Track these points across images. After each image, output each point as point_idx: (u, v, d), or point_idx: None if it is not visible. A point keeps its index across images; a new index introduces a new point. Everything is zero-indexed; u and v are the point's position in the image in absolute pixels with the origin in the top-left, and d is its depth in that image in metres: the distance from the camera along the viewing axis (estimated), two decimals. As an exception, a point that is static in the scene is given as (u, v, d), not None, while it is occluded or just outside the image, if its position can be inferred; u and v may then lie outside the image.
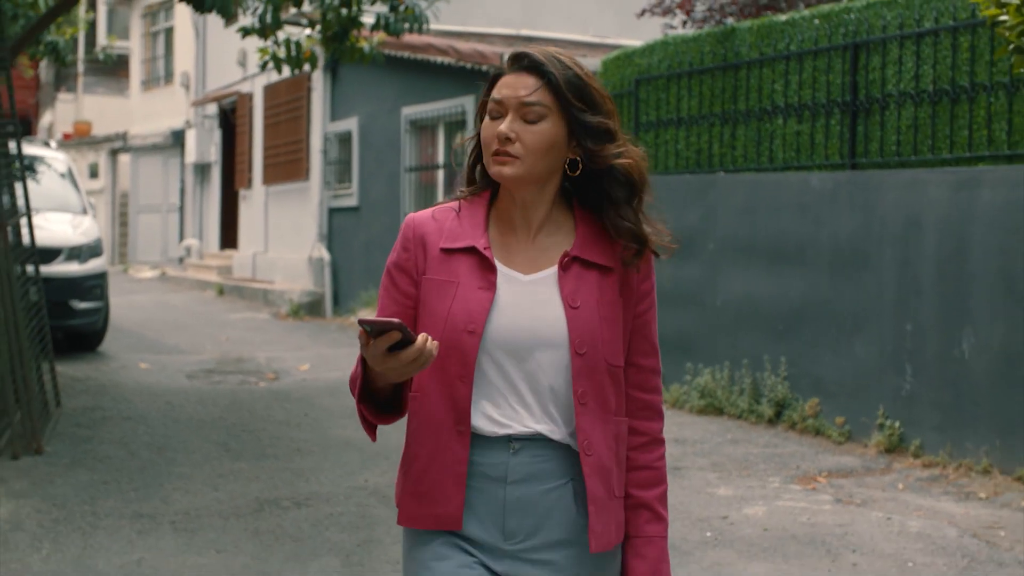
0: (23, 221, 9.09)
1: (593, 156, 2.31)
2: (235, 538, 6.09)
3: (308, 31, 12.09)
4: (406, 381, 2.31)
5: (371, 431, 2.38)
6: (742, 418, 9.16)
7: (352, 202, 16.91)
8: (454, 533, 2.33)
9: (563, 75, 2.27)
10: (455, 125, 14.77)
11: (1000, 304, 7.43)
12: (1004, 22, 5.07)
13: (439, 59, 14.20)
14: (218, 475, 7.39)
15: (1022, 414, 7.22)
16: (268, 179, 19.47)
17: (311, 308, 16.81)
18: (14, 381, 7.88)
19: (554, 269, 2.34)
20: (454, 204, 2.40)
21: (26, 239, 9.18)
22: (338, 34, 11.12)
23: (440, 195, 14.95)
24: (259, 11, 10.72)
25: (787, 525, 6.39)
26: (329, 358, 12.61)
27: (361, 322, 2.10)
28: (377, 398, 2.33)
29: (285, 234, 18.91)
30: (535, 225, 2.36)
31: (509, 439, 2.31)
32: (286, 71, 11.87)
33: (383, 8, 11.25)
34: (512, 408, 2.31)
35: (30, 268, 9.20)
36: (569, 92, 2.28)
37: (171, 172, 25.10)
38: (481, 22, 16.87)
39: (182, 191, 24.48)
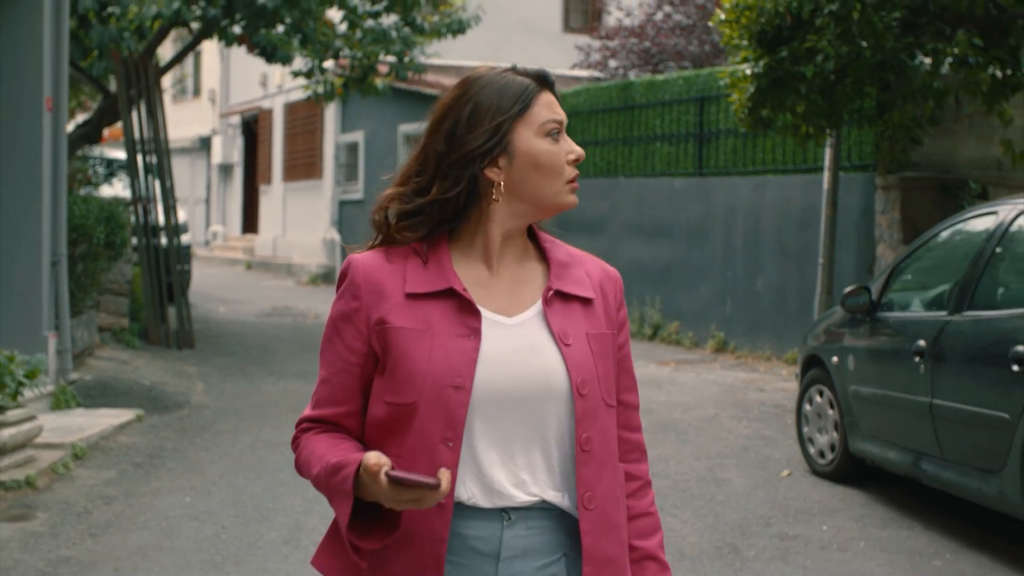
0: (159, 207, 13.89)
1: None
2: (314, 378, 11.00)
3: (339, 71, 16.90)
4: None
5: (364, 557, 1.99)
6: (634, 337, 14.12)
7: (358, 196, 21.83)
8: None
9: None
10: (439, 139, 19.72)
11: (778, 260, 12.41)
12: (734, 100, 9.93)
13: (428, 90, 19.09)
14: (301, 357, 12.28)
15: (788, 323, 12.20)
16: (287, 178, 24.36)
17: (325, 277, 21.71)
18: (163, 305, 12.71)
19: (538, 306, 2.07)
20: (401, 248, 2.07)
21: (156, 218, 13.94)
22: (360, 77, 15.95)
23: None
24: (308, 64, 15.52)
25: (646, 379, 11.29)
26: (350, 308, 17.53)
27: (391, 476, 1.84)
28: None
29: (301, 221, 23.78)
30: (512, 254, 2.11)
31: (503, 508, 2.00)
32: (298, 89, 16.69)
33: (392, 58, 16.08)
34: (509, 472, 2.01)
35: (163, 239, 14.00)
36: None
37: (198, 171, 29.85)
38: (456, 56, 21.69)
39: (208, 187, 29.26)
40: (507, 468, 2.01)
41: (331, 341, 2.07)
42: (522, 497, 2.01)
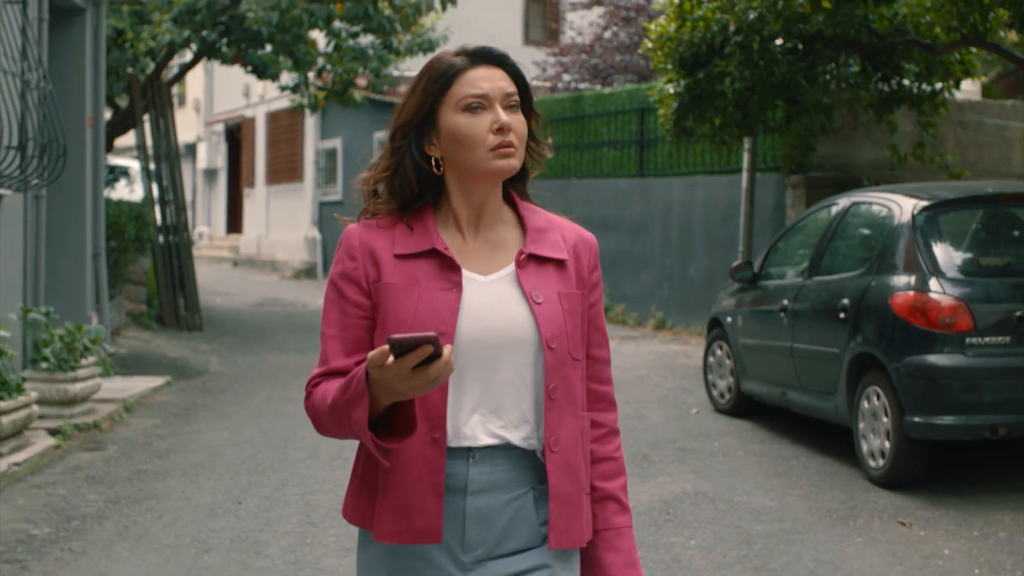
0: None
1: (533, 151, 2.36)
2: (315, 355, 12.92)
3: (321, 85, 18.78)
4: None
5: (386, 456, 2.18)
6: (584, 319, 16.10)
7: (338, 197, 23.73)
8: (425, 547, 2.21)
9: (517, 69, 2.30)
10: (412, 145, 21.68)
11: (707, 248, 14.42)
12: (662, 115, 11.90)
13: (400, 100, 21.01)
14: (296, 337, 14.18)
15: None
16: (270, 181, 26.24)
17: (307, 272, 23.60)
18: (173, 291, 14.59)
19: (511, 268, 2.26)
20: (394, 215, 2.29)
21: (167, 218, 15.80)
22: (341, 91, 17.85)
23: (401, 192, 21.83)
24: (295, 79, 17.40)
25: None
26: (333, 298, 19.44)
27: (392, 340, 1.96)
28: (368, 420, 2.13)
29: (284, 221, 25.65)
30: (485, 222, 2.29)
31: (468, 449, 2.20)
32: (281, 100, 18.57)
33: (369, 74, 17.97)
34: (481, 415, 2.22)
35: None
36: (525, 85, 2.30)
37: (184, 176, 31.63)
38: (427, 68, 23.67)
39: (194, 190, 31.06)
40: (479, 411, 2.21)
41: (334, 302, 2.26)
42: (485, 440, 2.21)
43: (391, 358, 1.97)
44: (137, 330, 13.56)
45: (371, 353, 1.98)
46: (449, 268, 2.22)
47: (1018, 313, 6.69)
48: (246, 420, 9.31)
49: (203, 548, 5.90)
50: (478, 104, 2.22)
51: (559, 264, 2.29)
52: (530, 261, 2.26)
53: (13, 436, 7.73)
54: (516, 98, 2.25)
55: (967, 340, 6.64)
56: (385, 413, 2.13)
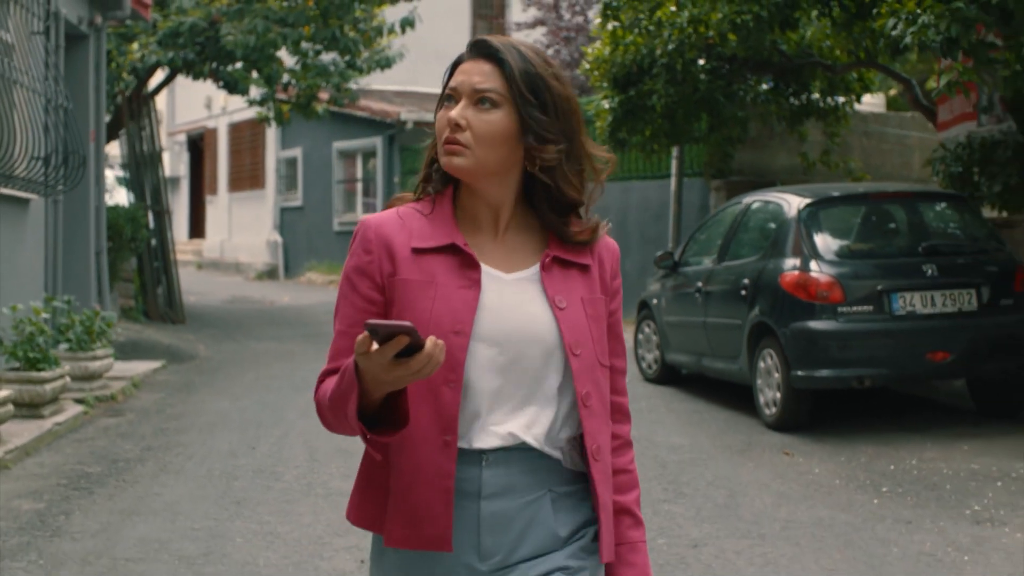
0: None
1: (528, 154, 2.13)
2: (292, 342, 14.39)
3: (286, 99, 20.23)
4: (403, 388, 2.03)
5: (379, 450, 2.13)
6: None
7: (298, 203, 25.21)
8: (440, 557, 2.13)
9: (519, 65, 2.12)
10: (369, 154, 23.21)
11: (641, 245, 16.07)
12: (598, 127, 13.52)
13: (357, 112, 22.53)
14: (271, 328, 15.66)
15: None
16: (233, 188, 27.65)
17: (270, 274, 25.04)
18: (157, 288, 16.02)
19: (535, 269, 2.18)
20: (415, 204, 2.21)
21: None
22: (304, 104, 19.32)
23: (359, 200, 23.40)
24: (262, 94, 18.86)
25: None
26: (297, 297, 20.90)
27: (369, 325, 1.89)
28: (365, 413, 2.06)
29: (246, 226, 27.05)
30: (503, 223, 2.19)
31: (481, 452, 2.12)
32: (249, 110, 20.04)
33: (331, 88, 19.45)
34: (500, 416, 2.13)
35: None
36: (522, 83, 2.11)
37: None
38: (381, 81, 25.08)
39: (154, 197, 32.39)
40: (495, 412, 2.11)
41: (347, 296, 2.18)
42: (497, 442, 2.11)
43: (375, 344, 1.91)
44: (128, 323, 14.97)
45: (358, 338, 1.92)
46: (468, 265, 2.14)
47: (879, 287, 8.36)
48: (241, 393, 10.80)
49: (231, 477, 7.41)
50: (450, 96, 2.15)
51: (583, 269, 2.22)
52: (555, 264, 2.19)
53: (52, 402, 9.18)
54: (490, 94, 2.11)
55: (839, 309, 8.30)
56: (386, 405, 2.06)
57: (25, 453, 8.05)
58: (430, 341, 1.92)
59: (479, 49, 2.15)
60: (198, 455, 8.09)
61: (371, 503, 2.20)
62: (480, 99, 2.11)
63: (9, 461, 7.74)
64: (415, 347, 1.91)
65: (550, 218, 2.20)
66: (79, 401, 9.95)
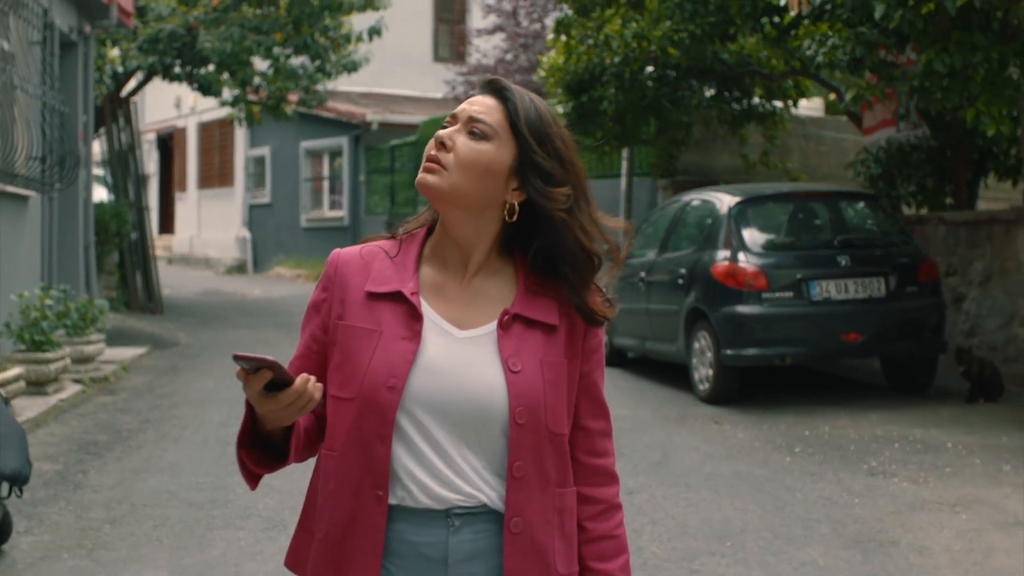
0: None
1: (540, 194, 2.07)
2: (266, 330, 15.35)
3: (257, 100, 21.12)
4: (295, 425, 2.08)
5: (252, 481, 2.14)
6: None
7: (266, 200, 26.10)
8: None
9: (524, 107, 2.09)
10: (335, 154, 24.15)
11: (594, 240, 17.10)
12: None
13: (324, 113, 23.47)
14: (244, 318, 16.60)
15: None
16: (202, 185, 28.50)
17: (239, 268, 25.91)
18: (136, 280, 16.92)
19: (492, 326, 2.08)
20: (385, 243, 2.16)
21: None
22: (274, 105, 20.24)
23: (326, 197, 24.33)
24: (233, 95, 19.76)
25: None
26: (268, 289, 21.82)
27: (236, 358, 1.90)
28: (268, 441, 2.10)
29: (215, 222, 27.90)
30: (472, 268, 2.12)
31: (447, 514, 2.06)
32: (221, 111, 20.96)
33: (300, 91, 20.37)
34: (442, 475, 2.05)
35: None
36: (525, 123, 2.08)
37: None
38: (347, 83, 26.01)
39: (123, 194, 33.18)
40: (439, 471, 2.04)
41: (303, 327, 2.18)
42: (453, 497, 2.04)
43: (236, 364, 1.92)
44: (111, 312, 15.85)
45: (236, 369, 1.94)
46: (412, 316, 2.07)
47: (799, 276, 9.44)
48: (224, 375, 11.75)
49: (225, 443, 8.38)
50: (448, 124, 2.11)
51: (549, 329, 2.10)
52: (515, 322, 2.08)
53: (54, 381, 10.11)
54: (483, 126, 2.06)
55: (763, 295, 9.38)
56: (286, 438, 2.10)
57: (36, 424, 8.98)
58: (300, 379, 1.94)
59: (490, 86, 2.14)
60: (192, 425, 9.04)
61: (307, 550, 2.17)
62: (473, 129, 2.08)
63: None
64: (281, 382, 1.92)
65: (576, 297, 2.12)
66: (76, 381, 10.86)
